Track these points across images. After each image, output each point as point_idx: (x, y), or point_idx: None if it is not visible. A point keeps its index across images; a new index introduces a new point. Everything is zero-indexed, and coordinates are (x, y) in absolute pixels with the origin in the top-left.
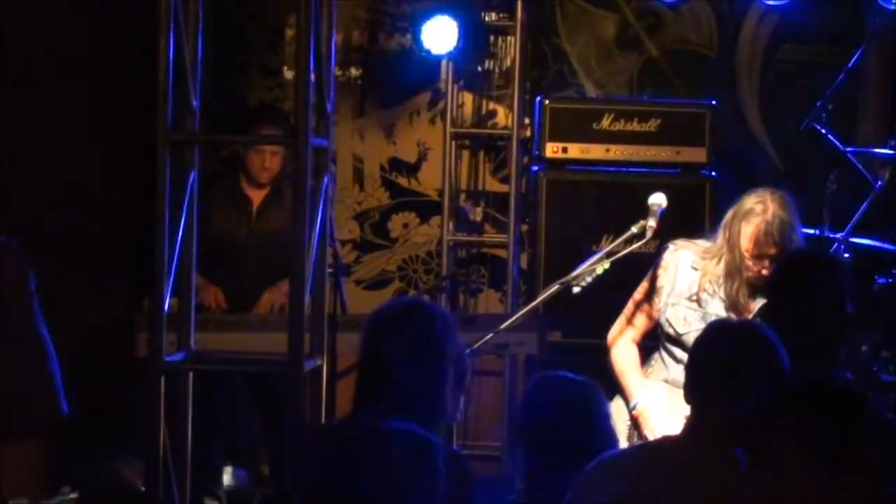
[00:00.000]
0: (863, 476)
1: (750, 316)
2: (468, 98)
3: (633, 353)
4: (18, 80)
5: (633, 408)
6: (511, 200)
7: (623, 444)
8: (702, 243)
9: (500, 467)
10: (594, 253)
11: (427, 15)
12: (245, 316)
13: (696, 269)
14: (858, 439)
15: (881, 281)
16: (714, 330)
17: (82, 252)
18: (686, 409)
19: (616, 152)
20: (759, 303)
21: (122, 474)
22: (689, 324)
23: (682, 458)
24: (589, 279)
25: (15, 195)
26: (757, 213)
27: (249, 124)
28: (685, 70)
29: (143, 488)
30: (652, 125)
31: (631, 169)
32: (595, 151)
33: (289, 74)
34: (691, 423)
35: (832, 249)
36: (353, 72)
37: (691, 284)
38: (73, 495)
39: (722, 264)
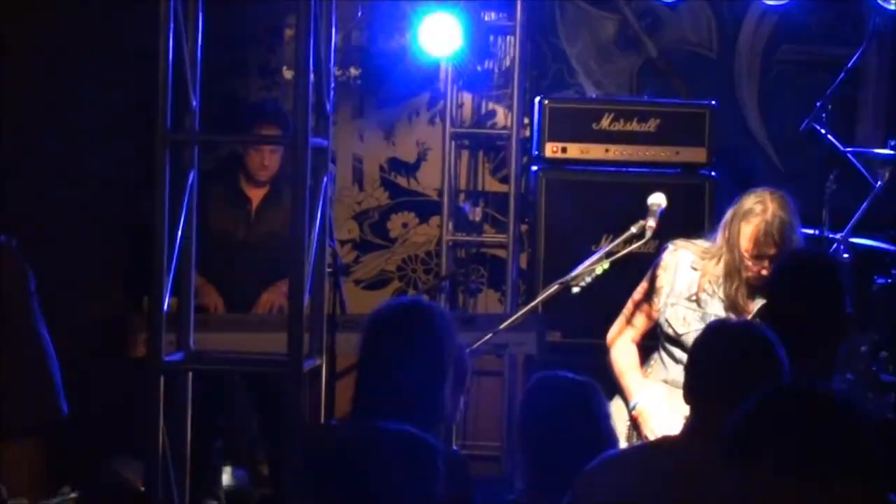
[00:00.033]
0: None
1: (749, 316)
2: (467, 98)
3: (633, 354)
4: (17, 79)
5: (633, 408)
6: (510, 200)
7: (622, 444)
8: (701, 243)
9: (499, 467)
10: (593, 253)
11: (427, 15)
12: (244, 316)
13: (695, 269)
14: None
15: (880, 281)
16: (713, 330)
17: (81, 252)
18: (685, 410)
19: (615, 152)
20: (758, 303)
21: (122, 474)
22: (688, 324)
23: (681, 458)
24: (588, 279)
25: (14, 195)
26: (756, 213)
27: (248, 123)
28: (685, 70)
29: (142, 488)
30: (651, 125)
31: (630, 169)
32: (594, 151)
33: (288, 74)
34: (691, 424)
35: (832, 250)
36: (353, 72)
37: (691, 284)
38: (73, 495)
39: (721, 264)
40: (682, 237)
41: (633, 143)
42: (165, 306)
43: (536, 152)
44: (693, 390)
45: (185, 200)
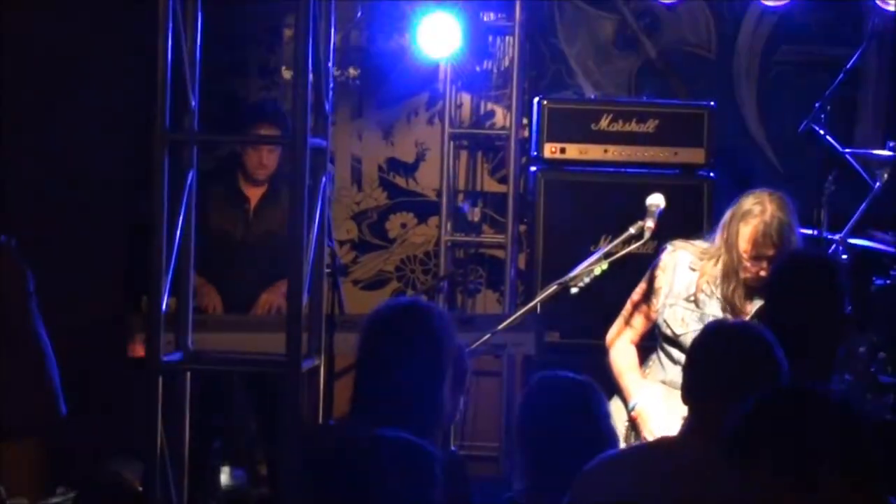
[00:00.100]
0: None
1: (747, 317)
2: (466, 98)
3: (632, 354)
4: (17, 79)
5: (632, 409)
6: (509, 201)
7: (621, 444)
8: (700, 244)
9: (497, 468)
10: (592, 253)
11: (425, 15)
12: (243, 316)
13: (693, 269)
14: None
15: (879, 282)
16: (711, 331)
17: (80, 252)
18: (684, 410)
19: (614, 153)
20: (756, 304)
21: (120, 474)
22: (686, 325)
23: (680, 458)
24: (587, 280)
25: (13, 195)
26: (755, 214)
27: (247, 123)
28: (683, 71)
29: (140, 488)
30: (650, 126)
31: (629, 170)
32: (593, 152)
33: (287, 74)
34: (689, 424)
35: (830, 250)
36: (352, 72)
37: (689, 285)
38: (72, 495)
39: (720, 265)
40: (680, 238)
41: (632, 143)
42: (164, 306)
43: (535, 153)
44: (691, 391)
45: (184, 200)
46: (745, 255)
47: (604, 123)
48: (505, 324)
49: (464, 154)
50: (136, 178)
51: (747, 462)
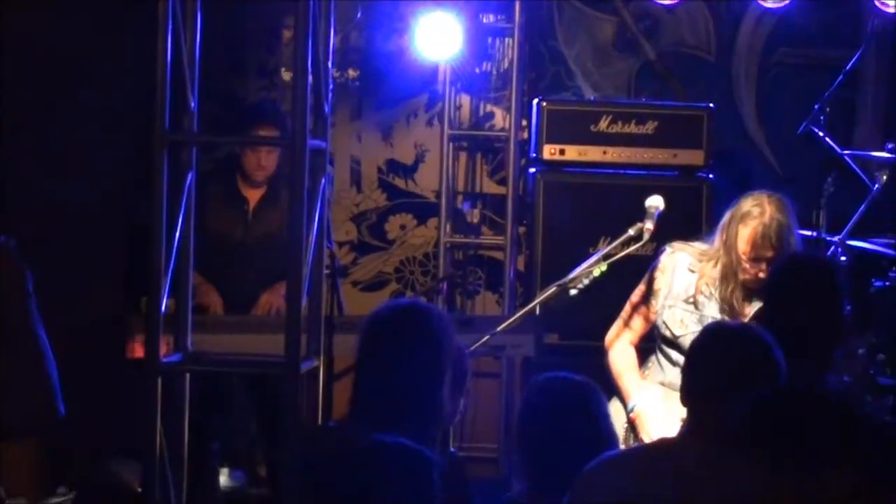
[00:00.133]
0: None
1: (746, 319)
2: (466, 100)
3: (631, 356)
4: (17, 79)
5: (631, 410)
6: (508, 202)
7: (621, 446)
8: (699, 246)
9: (497, 469)
10: (591, 255)
11: (425, 17)
12: (242, 317)
13: (692, 271)
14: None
15: (878, 284)
16: (710, 332)
17: (79, 252)
18: (682, 412)
19: (613, 154)
20: (754, 306)
21: (119, 475)
22: (685, 326)
23: (679, 460)
24: (586, 281)
25: (13, 195)
26: (754, 215)
27: (246, 124)
28: (682, 72)
29: (139, 489)
30: (649, 127)
31: (628, 171)
32: (592, 153)
33: (286, 75)
34: (688, 426)
35: (829, 252)
36: (351, 73)
37: (688, 287)
38: (71, 496)
39: (719, 267)
40: (679, 239)
41: (631, 145)
42: (163, 307)
43: (534, 154)
44: (690, 392)
45: (184, 201)
46: (743, 257)
47: (603, 125)
48: (504, 325)
49: (463, 155)
50: (135, 179)
51: (749, 462)
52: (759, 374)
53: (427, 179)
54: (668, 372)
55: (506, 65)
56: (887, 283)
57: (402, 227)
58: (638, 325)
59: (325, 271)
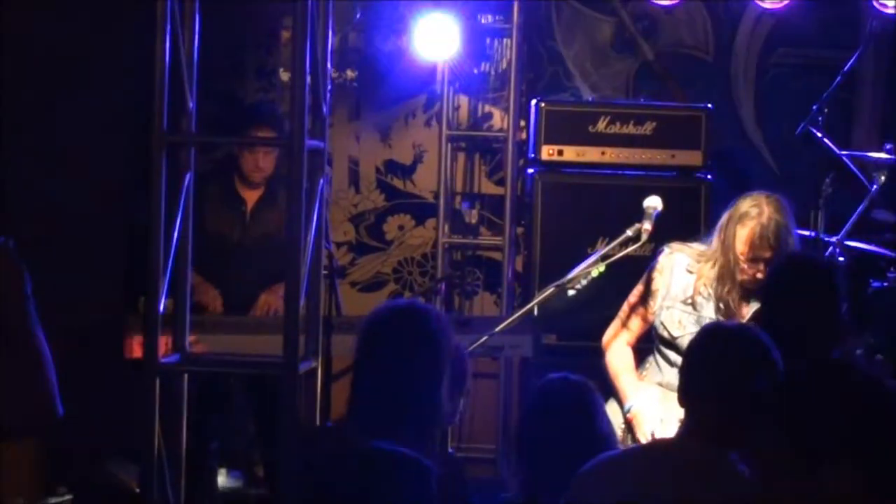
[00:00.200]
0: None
1: (744, 320)
2: (464, 100)
3: (628, 356)
4: (16, 79)
5: (628, 411)
6: (506, 203)
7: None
8: (697, 246)
9: (495, 470)
10: (589, 256)
11: (423, 17)
12: (241, 318)
13: (691, 272)
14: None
15: (876, 284)
16: (708, 333)
17: (78, 252)
18: (680, 413)
19: (611, 155)
20: (752, 307)
21: (118, 476)
22: (683, 327)
23: (677, 460)
24: (584, 282)
25: (12, 195)
26: (752, 216)
27: (244, 125)
28: (681, 73)
29: (137, 490)
30: (647, 128)
31: (626, 172)
32: (591, 154)
33: (284, 76)
34: (686, 427)
35: (827, 253)
36: (349, 74)
37: (686, 288)
38: (69, 497)
39: (717, 267)
40: (677, 240)
41: (630, 145)
42: (161, 308)
43: (532, 155)
44: (687, 393)
45: (182, 202)
46: (741, 258)
47: (601, 125)
48: (502, 326)
49: (461, 156)
50: (135, 179)
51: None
52: (757, 374)
53: (425, 180)
54: (665, 372)
55: (504, 65)
56: (885, 284)
57: (401, 227)
58: (636, 325)
59: (324, 272)
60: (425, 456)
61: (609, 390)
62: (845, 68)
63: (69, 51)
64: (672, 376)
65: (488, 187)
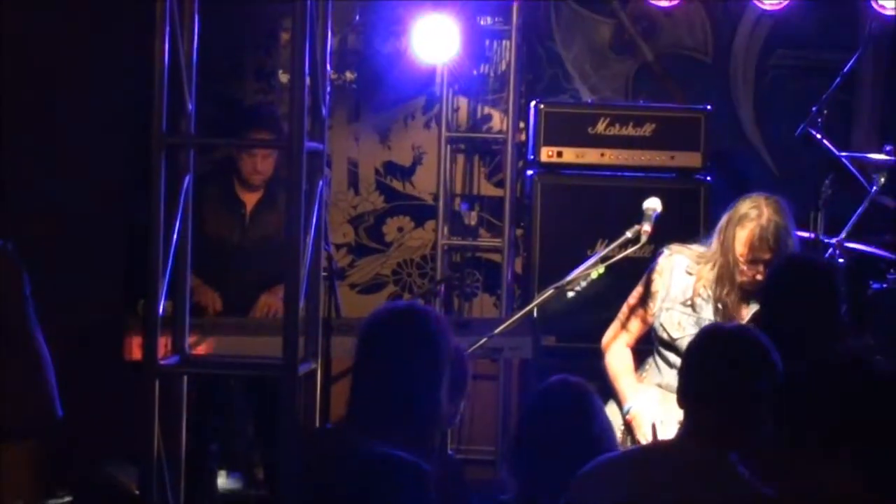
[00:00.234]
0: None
1: (743, 321)
2: (463, 102)
3: (627, 358)
4: (16, 79)
5: (627, 412)
6: (506, 205)
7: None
8: (696, 248)
9: (495, 471)
10: (589, 257)
11: (423, 19)
12: (240, 320)
13: (690, 273)
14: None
15: (875, 286)
16: (707, 335)
17: (78, 253)
18: (679, 414)
19: (611, 157)
20: (751, 308)
21: (117, 478)
22: (683, 329)
23: (676, 462)
24: (583, 283)
25: (11, 196)
26: (752, 217)
27: (243, 128)
28: (680, 74)
29: (137, 492)
30: (647, 130)
31: (626, 173)
32: (590, 156)
33: (283, 77)
34: (685, 428)
35: (827, 254)
36: (349, 75)
37: (686, 289)
38: (68, 499)
39: (716, 268)
40: (677, 242)
41: (629, 147)
42: (161, 310)
43: (532, 156)
44: (687, 394)
45: (181, 204)
46: (741, 259)
47: (601, 127)
48: (502, 328)
49: (461, 158)
50: (135, 180)
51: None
52: (756, 376)
53: (424, 182)
54: (665, 374)
55: (503, 67)
56: (885, 286)
57: (400, 229)
58: (635, 327)
59: (323, 273)
60: (425, 458)
61: (608, 392)
62: (844, 69)
63: (69, 51)
64: (671, 378)
65: (487, 189)
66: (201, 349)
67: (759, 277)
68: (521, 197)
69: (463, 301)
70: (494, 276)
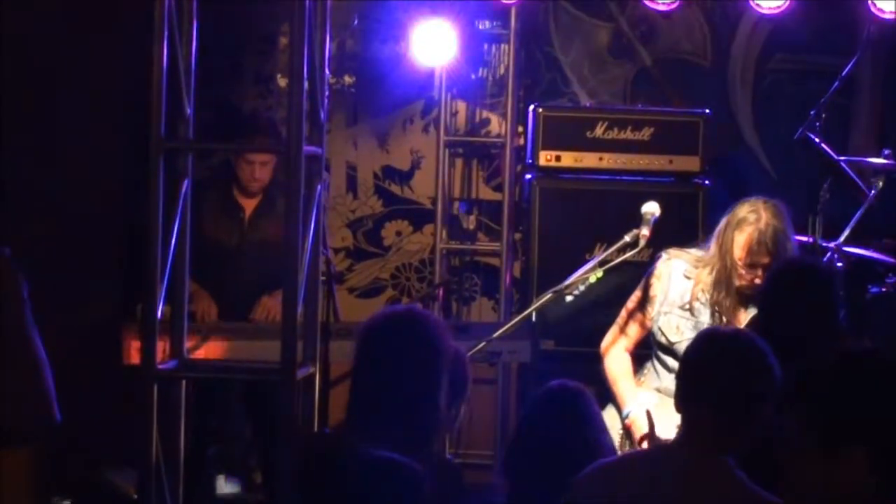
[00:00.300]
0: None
1: (741, 325)
2: (462, 106)
3: (626, 362)
4: (16, 79)
5: (626, 416)
6: (504, 209)
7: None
8: (695, 252)
9: (492, 475)
10: (587, 261)
11: (421, 23)
12: (239, 324)
13: (688, 277)
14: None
15: (874, 290)
16: (705, 339)
17: (77, 256)
18: (678, 418)
19: (609, 161)
20: (749, 312)
21: (115, 482)
22: (681, 333)
23: (674, 466)
24: (582, 287)
25: (12, 195)
26: (750, 221)
27: (240, 135)
28: (678, 79)
29: (135, 496)
30: (645, 134)
31: (624, 177)
32: (588, 160)
33: (282, 82)
34: (682, 432)
35: (825, 258)
36: (347, 79)
37: (684, 293)
38: (67, 503)
39: (714, 272)
40: (675, 246)
41: (627, 151)
42: (159, 314)
43: (530, 160)
44: (685, 399)
45: (179, 208)
46: (739, 263)
47: (599, 131)
48: (500, 332)
49: (459, 162)
50: (135, 179)
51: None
52: (754, 380)
53: (423, 186)
54: (663, 378)
55: (502, 71)
56: (883, 290)
57: (398, 233)
58: (634, 331)
59: (321, 278)
60: (423, 462)
61: (607, 396)
62: (843, 74)
63: (69, 51)
64: (670, 382)
65: (486, 193)
66: (200, 353)
67: (757, 281)
68: (520, 201)
69: (461, 305)
70: (493, 280)
